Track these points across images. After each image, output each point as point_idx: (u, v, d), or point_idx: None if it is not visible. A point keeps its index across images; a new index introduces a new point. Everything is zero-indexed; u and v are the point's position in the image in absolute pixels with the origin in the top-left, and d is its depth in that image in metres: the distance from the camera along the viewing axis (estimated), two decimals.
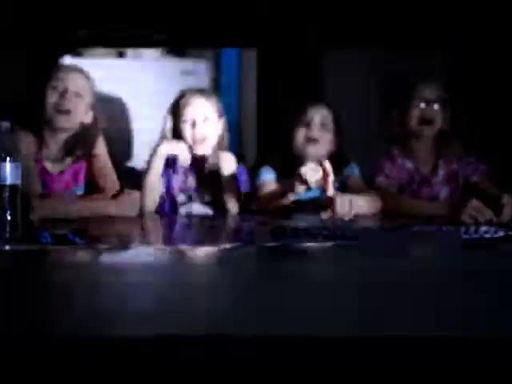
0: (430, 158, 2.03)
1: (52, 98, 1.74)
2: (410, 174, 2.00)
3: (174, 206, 1.90)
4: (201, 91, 1.99)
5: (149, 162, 1.88)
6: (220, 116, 1.95)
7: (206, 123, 1.89)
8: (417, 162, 2.01)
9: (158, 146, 1.90)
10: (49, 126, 1.77)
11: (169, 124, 1.92)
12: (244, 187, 1.91)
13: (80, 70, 1.83)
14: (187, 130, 1.88)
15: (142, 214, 1.80)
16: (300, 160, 1.93)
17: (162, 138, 1.92)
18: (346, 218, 1.67)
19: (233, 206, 1.86)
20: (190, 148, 1.89)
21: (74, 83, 1.77)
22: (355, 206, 1.69)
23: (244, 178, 1.93)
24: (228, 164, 1.89)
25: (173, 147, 1.89)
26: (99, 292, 0.91)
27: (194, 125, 1.87)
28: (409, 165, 2.00)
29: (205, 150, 1.90)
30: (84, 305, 0.83)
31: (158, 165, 1.87)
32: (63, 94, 1.74)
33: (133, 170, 2.32)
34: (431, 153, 2.03)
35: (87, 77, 1.82)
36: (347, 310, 0.80)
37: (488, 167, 2.02)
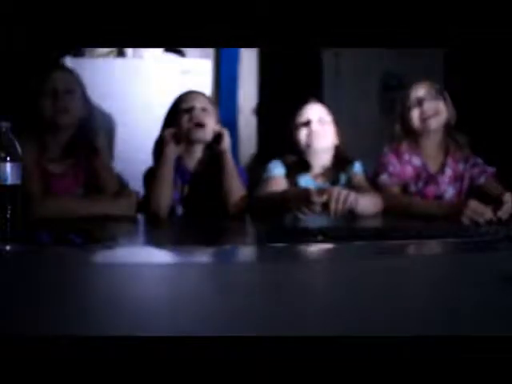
0: (438, 156, 2.02)
1: (46, 100, 1.74)
2: (416, 170, 1.99)
3: (172, 208, 1.89)
4: (197, 91, 2.00)
5: (158, 164, 1.86)
6: (218, 120, 1.94)
7: (205, 112, 1.88)
8: (425, 159, 2.00)
9: (160, 148, 1.88)
10: (49, 126, 1.77)
11: (165, 125, 1.91)
12: (244, 187, 1.90)
13: (64, 67, 1.84)
14: (184, 117, 1.87)
15: (153, 215, 1.79)
16: (306, 156, 1.97)
17: (161, 140, 1.90)
18: (338, 213, 1.68)
19: (233, 205, 1.85)
20: (187, 138, 1.87)
21: (62, 81, 1.77)
22: (350, 202, 1.70)
23: (243, 178, 1.93)
24: (229, 164, 1.88)
25: (178, 148, 1.87)
26: (99, 292, 0.90)
27: (191, 111, 1.87)
28: (416, 161, 1.99)
29: (200, 138, 1.88)
30: (84, 305, 0.83)
31: (171, 165, 1.84)
32: (55, 94, 1.74)
33: (133, 170, 2.32)
34: (439, 151, 2.02)
35: (72, 72, 1.83)
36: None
37: (495, 169, 2.01)
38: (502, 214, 1.64)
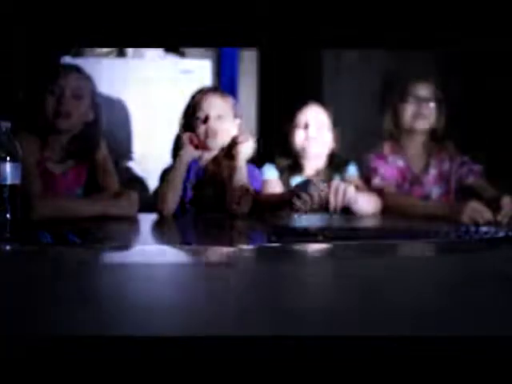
0: (421, 157, 2.03)
1: (50, 102, 1.74)
2: (401, 172, 2.00)
3: (183, 206, 1.89)
4: (215, 89, 2.00)
5: (172, 164, 1.87)
6: (237, 115, 1.94)
7: (221, 120, 1.88)
8: (408, 161, 2.01)
9: (177, 148, 1.89)
10: (50, 128, 1.77)
11: (182, 126, 1.92)
12: (256, 186, 1.90)
13: (78, 70, 1.81)
14: (201, 128, 1.87)
15: (159, 214, 1.80)
16: (300, 160, 1.97)
17: (178, 140, 1.91)
18: (338, 206, 1.68)
19: (243, 205, 1.84)
20: (203, 145, 1.88)
21: (71, 85, 1.76)
22: (350, 195, 1.70)
23: (256, 177, 1.93)
24: (244, 165, 1.88)
25: (195, 151, 1.88)
26: (99, 292, 0.90)
27: (206, 120, 1.87)
28: (400, 163, 2.01)
29: (216, 145, 1.89)
30: (84, 305, 0.83)
31: (183, 168, 1.85)
32: (61, 98, 1.73)
33: (133, 170, 2.32)
34: (423, 151, 2.03)
35: (86, 76, 1.81)
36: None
37: (484, 167, 2.01)
38: (502, 217, 1.64)
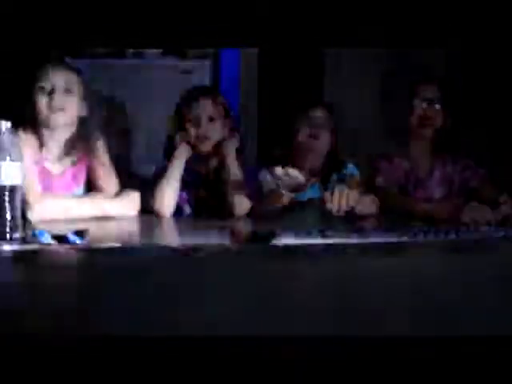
0: (426, 159, 2.02)
1: (42, 99, 1.74)
2: (405, 174, 1.99)
3: (179, 207, 1.89)
4: (206, 90, 1.99)
5: (166, 165, 1.86)
6: (227, 116, 1.94)
7: (211, 123, 1.88)
8: (413, 163, 2.01)
9: (168, 147, 1.89)
10: (46, 126, 1.76)
11: (174, 124, 1.92)
12: (253, 187, 1.90)
13: (66, 66, 1.82)
14: (191, 129, 1.87)
15: (157, 214, 1.80)
16: (299, 158, 1.97)
17: (169, 140, 1.91)
18: (340, 212, 1.68)
19: (240, 207, 1.84)
20: (194, 147, 1.88)
21: (61, 80, 1.76)
22: (351, 200, 1.69)
23: (254, 178, 1.93)
24: (235, 164, 1.87)
25: (190, 150, 1.88)
26: (99, 292, 0.90)
27: (198, 122, 1.87)
28: (405, 165, 2.00)
29: (207, 149, 1.89)
30: (84, 305, 0.83)
31: (179, 167, 1.86)
32: (52, 93, 1.73)
33: (133, 169, 2.32)
34: (428, 154, 2.02)
35: (74, 71, 1.81)
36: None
37: (487, 170, 2.01)
38: (500, 215, 1.63)
